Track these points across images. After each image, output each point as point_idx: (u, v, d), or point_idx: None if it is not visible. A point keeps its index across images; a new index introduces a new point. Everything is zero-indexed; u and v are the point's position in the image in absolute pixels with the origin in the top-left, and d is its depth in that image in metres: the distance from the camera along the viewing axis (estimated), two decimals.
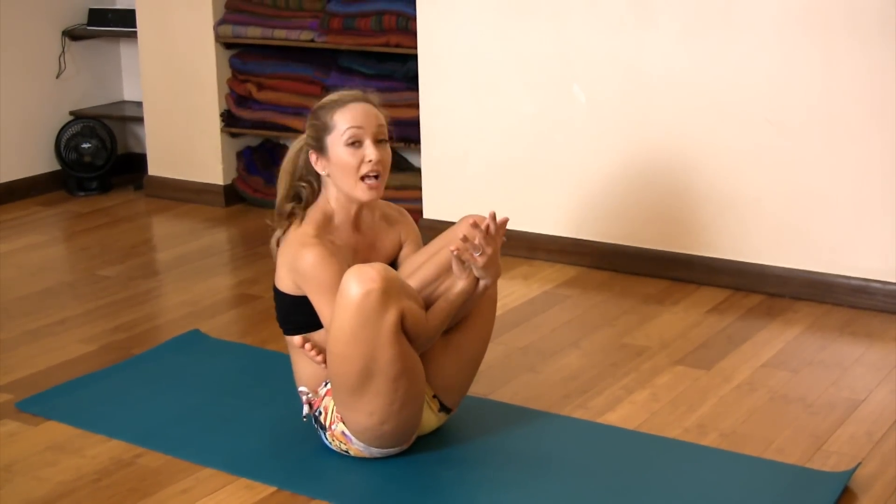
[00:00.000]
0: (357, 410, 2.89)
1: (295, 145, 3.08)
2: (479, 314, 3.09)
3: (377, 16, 4.92)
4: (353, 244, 3.04)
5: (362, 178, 2.95)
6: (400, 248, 3.16)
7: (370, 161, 2.94)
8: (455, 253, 2.89)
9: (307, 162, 3.04)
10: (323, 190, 3.04)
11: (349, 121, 2.94)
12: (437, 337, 2.98)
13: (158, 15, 5.46)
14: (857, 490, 2.85)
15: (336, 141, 2.95)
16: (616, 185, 4.41)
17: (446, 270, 2.99)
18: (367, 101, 3.00)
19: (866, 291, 4.02)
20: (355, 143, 2.94)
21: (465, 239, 2.88)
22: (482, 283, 2.98)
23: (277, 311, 3.07)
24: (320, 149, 2.98)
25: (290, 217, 3.03)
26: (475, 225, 2.87)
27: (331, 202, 3.02)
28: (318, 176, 3.05)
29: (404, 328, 2.83)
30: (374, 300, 2.75)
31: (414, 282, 2.99)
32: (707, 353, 3.70)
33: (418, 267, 3.04)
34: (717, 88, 4.16)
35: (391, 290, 2.78)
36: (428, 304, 2.97)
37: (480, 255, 2.90)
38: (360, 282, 2.76)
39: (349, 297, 2.77)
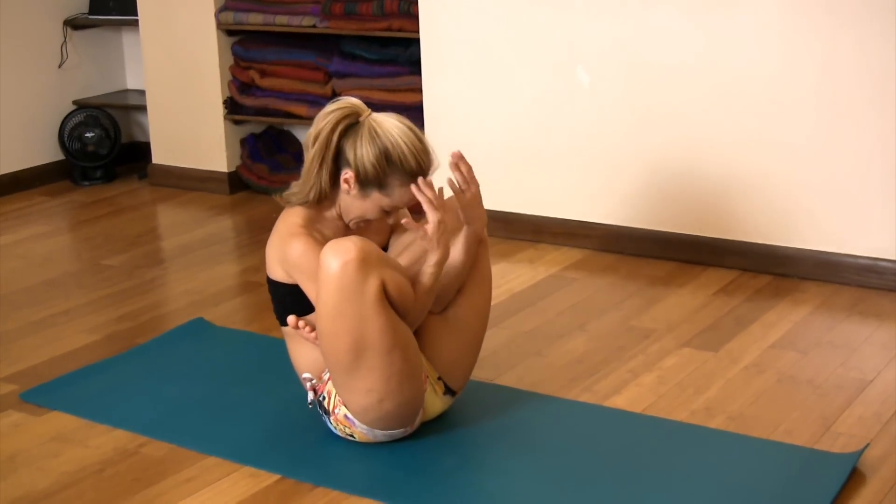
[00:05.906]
0: (354, 390, 2.88)
1: (330, 122, 2.90)
2: (474, 290, 3.07)
3: (379, 0, 4.89)
4: (343, 234, 3.01)
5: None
6: (391, 232, 3.15)
7: (389, 223, 3.08)
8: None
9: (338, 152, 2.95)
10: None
11: (404, 201, 2.94)
12: (426, 312, 2.96)
13: (160, 3, 5.43)
14: (865, 471, 2.83)
15: (380, 201, 2.93)
16: (621, 168, 4.38)
17: None
18: (429, 169, 2.93)
19: (875, 270, 3.99)
20: (390, 212, 2.98)
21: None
22: (469, 230, 2.98)
23: (274, 302, 3.06)
24: (362, 185, 2.92)
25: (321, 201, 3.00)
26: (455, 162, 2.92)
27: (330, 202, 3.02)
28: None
29: (390, 299, 2.81)
30: (353, 270, 2.74)
31: (404, 259, 3.00)
32: (714, 334, 3.67)
33: (409, 244, 3.04)
34: (722, 69, 4.13)
35: (369, 260, 2.76)
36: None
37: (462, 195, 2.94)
38: (337, 254, 2.74)
39: (328, 271, 2.75)
